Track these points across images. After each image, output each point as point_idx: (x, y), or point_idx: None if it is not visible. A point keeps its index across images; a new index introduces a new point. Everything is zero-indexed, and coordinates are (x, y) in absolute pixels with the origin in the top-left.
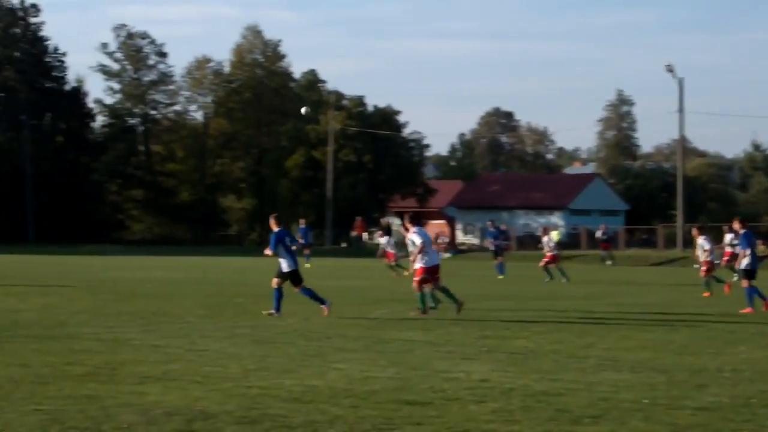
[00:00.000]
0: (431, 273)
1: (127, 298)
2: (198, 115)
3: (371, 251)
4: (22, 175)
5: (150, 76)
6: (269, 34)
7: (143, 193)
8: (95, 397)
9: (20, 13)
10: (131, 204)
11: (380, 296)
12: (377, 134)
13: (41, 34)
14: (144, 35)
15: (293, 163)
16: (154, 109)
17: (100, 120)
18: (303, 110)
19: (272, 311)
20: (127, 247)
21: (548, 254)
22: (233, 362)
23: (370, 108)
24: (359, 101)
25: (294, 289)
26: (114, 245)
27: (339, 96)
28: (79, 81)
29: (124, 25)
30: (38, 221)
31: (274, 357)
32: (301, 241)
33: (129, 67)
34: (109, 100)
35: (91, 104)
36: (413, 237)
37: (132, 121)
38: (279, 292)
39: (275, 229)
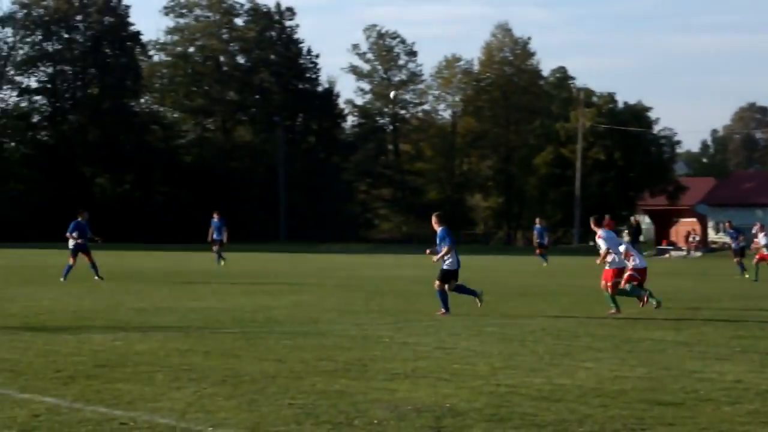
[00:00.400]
0: (618, 275)
1: (376, 295)
2: (446, 114)
3: None
4: (275, 175)
5: (399, 76)
6: (519, 31)
7: (391, 192)
8: (346, 393)
9: (276, 17)
10: (379, 203)
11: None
12: (627, 131)
13: (295, 36)
14: (394, 35)
15: (541, 161)
16: (404, 108)
17: (350, 120)
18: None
19: (442, 311)
20: (375, 245)
21: (765, 253)
22: (481, 360)
23: (620, 105)
24: (610, 98)
25: (437, 284)
26: (362, 243)
27: (589, 93)
28: (331, 82)
29: (375, 26)
30: (290, 220)
31: (522, 355)
32: (537, 241)
33: (379, 67)
34: (359, 100)
35: (342, 105)
36: (599, 241)
37: (381, 120)
38: (443, 293)
39: (439, 228)
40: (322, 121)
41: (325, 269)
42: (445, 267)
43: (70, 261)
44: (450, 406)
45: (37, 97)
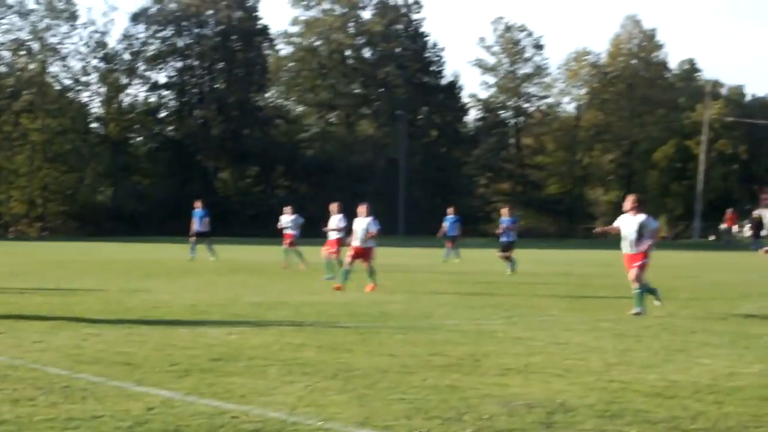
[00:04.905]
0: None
1: (491, 290)
2: (570, 108)
3: (743, 245)
4: (395, 169)
5: (525, 69)
6: (648, 23)
7: (511, 186)
8: (458, 388)
9: (403, 10)
10: (499, 197)
11: (749, 291)
12: (755, 124)
13: (422, 30)
14: (522, 28)
15: (662, 155)
16: (528, 102)
17: (473, 114)
18: None
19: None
20: (491, 240)
21: None
22: (595, 356)
23: (748, 97)
24: (738, 90)
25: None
26: (479, 238)
27: (717, 85)
28: (456, 76)
29: (502, 18)
30: (409, 214)
31: (636, 351)
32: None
33: (505, 60)
34: (483, 93)
35: (465, 98)
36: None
37: (504, 114)
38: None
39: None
40: (445, 115)
41: (440, 263)
42: None
43: None
44: (561, 402)
45: (166, 92)
